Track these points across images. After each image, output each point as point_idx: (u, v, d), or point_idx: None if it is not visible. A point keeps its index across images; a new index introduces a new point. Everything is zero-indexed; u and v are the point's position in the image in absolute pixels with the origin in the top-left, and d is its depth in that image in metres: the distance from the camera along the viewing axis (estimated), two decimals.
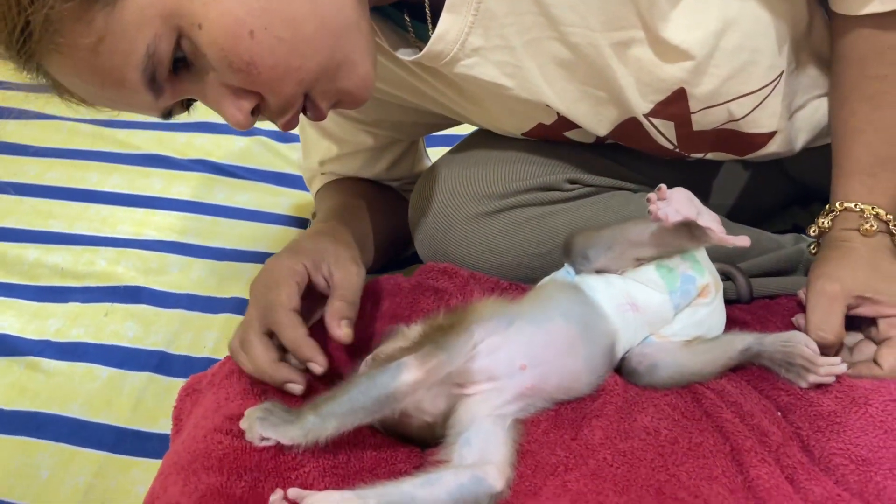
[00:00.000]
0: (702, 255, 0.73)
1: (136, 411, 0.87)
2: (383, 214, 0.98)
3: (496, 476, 0.61)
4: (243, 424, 0.63)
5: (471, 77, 0.75)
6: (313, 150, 1.00)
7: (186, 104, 0.66)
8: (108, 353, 0.94)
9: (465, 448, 0.63)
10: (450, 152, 0.92)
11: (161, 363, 0.93)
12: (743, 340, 0.71)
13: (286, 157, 1.28)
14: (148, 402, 0.88)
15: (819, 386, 0.68)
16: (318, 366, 0.65)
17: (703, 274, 0.72)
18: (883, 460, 0.61)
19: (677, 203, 0.66)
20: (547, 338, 0.68)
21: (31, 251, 1.10)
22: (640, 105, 0.76)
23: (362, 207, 0.94)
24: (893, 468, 0.60)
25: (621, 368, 0.72)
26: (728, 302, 0.77)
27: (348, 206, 0.94)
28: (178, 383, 0.90)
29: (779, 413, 0.67)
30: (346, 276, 0.71)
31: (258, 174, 1.25)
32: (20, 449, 0.83)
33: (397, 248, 1.03)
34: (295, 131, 1.24)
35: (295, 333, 0.66)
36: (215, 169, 1.26)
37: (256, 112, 0.64)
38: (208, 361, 0.94)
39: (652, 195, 0.67)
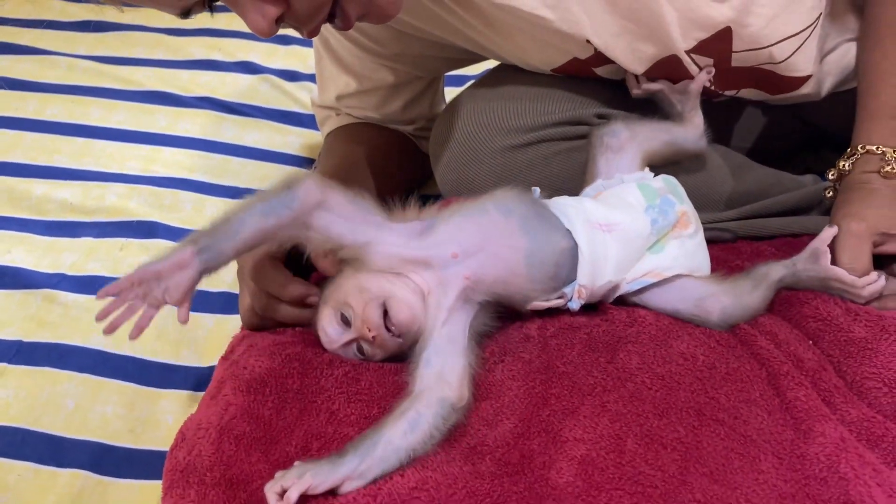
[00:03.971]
0: (681, 189, 0.74)
1: (159, 342, 0.87)
2: (390, 165, 0.96)
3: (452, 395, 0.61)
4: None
5: (509, 7, 0.73)
6: (331, 85, 0.98)
7: (208, 3, 0.64)
8: None
9: (425, 368, 0.63)
10: (473, 86, 0.91)
11: None
12: (777, 272, 0.72)
13: (293, 96, 1.26)
14: (170, 334, 0.88)
15: (848, 313, 0.69)
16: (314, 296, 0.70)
17: (682, 201, 0.73)
18: None
19: None
20: (477, 225, 0.67)
21: (38, 186, 1.08)
22: (681, 42, 0.75)
23: (363, 162, 0.93)
24: None
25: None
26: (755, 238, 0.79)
27: (349, 162, 0.93)
28: (197, 317, 0.90)
29: (810, 342, 0.69)
30: None
31: (265, 112, 1.23)
32: (45, 379, 0.82)
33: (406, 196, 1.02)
34: (310, 69, 1.22)
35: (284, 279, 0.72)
36: (221, 107, 1.24)
37: (280, 20, 0.62)
38: (226, 296, 0.94)
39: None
